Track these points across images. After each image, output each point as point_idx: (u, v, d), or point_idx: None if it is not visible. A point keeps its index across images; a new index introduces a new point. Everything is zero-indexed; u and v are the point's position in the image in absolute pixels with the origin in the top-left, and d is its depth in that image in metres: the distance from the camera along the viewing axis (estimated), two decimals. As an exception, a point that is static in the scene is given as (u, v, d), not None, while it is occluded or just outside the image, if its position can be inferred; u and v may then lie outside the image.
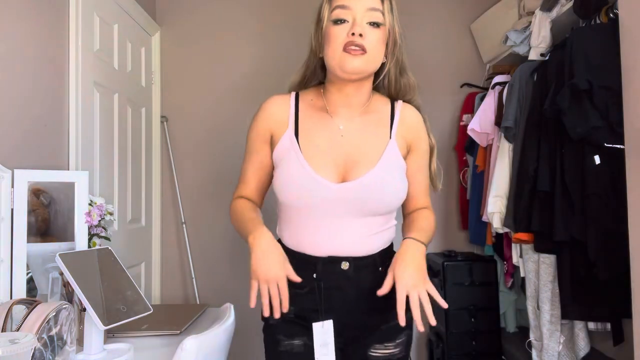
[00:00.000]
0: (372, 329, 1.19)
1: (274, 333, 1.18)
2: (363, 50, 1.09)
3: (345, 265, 1.14)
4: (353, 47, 1.08)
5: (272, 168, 1.23)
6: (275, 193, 1.17)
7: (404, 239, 1.15)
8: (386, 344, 1.18)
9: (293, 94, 1.24)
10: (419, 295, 1.05)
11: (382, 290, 1.06)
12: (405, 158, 1.21)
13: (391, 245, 1.24)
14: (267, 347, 1.21)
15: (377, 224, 1.17)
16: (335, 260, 1.14)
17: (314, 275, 1.14)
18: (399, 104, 1.24)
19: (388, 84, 1.24)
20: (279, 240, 1.22)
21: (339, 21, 1.11)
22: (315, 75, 1.25)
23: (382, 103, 1.24)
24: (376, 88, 1.24)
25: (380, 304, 1.16)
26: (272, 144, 1.21)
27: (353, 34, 1.08)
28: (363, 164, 1.14)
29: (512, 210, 1.93)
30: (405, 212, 1.30)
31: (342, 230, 1.14)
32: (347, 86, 1.17)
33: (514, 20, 2.25)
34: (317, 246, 1.15)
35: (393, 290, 1.10)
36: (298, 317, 1.16)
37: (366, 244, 1.16)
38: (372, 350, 1.18)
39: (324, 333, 1.13)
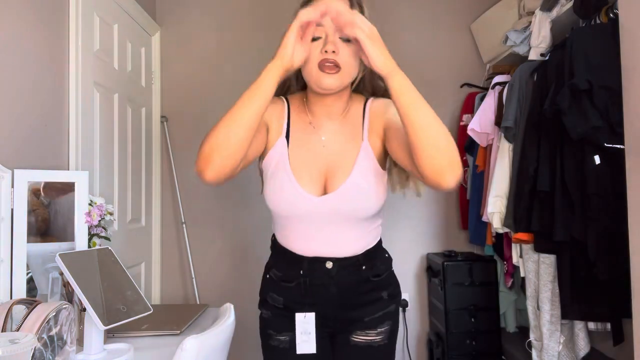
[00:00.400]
0: (353, 320, 1.25)
1: (265, 326, 1.28)
2: (337, 66, 1.11)
3: (329, 265, 1.20)
4: (327, 65, 1.10)
5: (256, 143, 1.16)
6: (266, 202, 1.22)
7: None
8: (367, 331, 1.25)
9: (283, 99, 1.26)
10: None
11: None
12: (384, 145, 1.19)
13: (377, 245, 1.28)
14: (261, 338, 1.30)
15: (362, 228, 1.22)
16: (320, 260, 1.21)
17: (301, 272, 1.22)
18: (370, 102, 1.24)
19: (364, 88, 1.27)
20: (273, 237, 1.31)
21: (312, 39, 1.11)
22: (292, 85, 1.30)
23: (358, 104, 1.25)
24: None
25: (362, 301, 1.24)
26: (266, 144, 1.20)
27: (326, 51, 1.10)
28: (340, 174, 1.16)
29: (512, 210, 1.93)
30: None
31: (328, 235, 1.20)
32: (326, 98, 1.19)
33: (514, 20, 2.25)
34: (304, 248, 1.22)
35: (372, 289, 1.24)
36: (286, 307, 1.24)
37: (351, 247, 1.22)
38: (354, 336, 1.25)
39: (305, 323, 1.22)
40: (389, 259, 1.32)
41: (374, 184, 1.17)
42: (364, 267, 1.23)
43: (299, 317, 1.22)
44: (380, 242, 1.30)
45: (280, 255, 1.27)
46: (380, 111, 1.20)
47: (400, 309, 2.47)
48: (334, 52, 1.09)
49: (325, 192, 1.17)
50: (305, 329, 1.22)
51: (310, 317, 1.22)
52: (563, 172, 1.67)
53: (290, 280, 1.24)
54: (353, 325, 1.25)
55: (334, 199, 1.15)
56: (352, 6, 1.13)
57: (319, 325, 1.23)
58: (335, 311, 1.24)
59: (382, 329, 1.26)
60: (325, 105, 1.20)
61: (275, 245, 1.29)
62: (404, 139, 1.06)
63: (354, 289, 1.23)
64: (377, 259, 1.27)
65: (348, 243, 1.21)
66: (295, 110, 1.24)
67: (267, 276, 1.31)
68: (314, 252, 1.21)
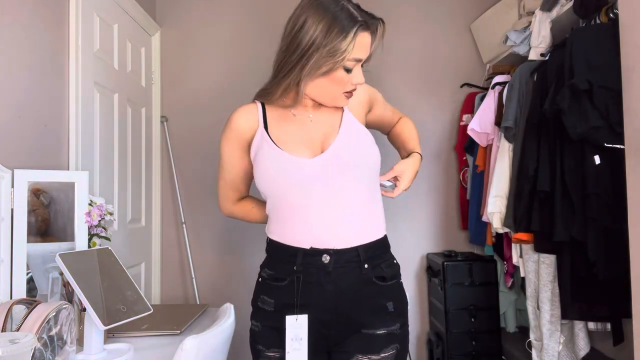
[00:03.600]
0: (352, 331, 1.17)
1: (255, 341, 1.22)
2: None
3: (325, 259, 1.14)
4: (350, 94, 1.21)
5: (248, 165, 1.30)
6: (258, 187, 1.22)
7: (409, 153, 1.35)
8: (370, 356, 1.15)
9: (257, 102, 1.28)
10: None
11: (384, 176, 1.27)
12: (369, 113, 1.36)
13: (380, 243, 1.22)
14: (252, 353, 1.25)
15: (354, 205, 1.18)
16: (316, 253, 1.15)
17: (294, 268, 1.16)
18: None
19: None
20: (268, 239, 1.26)
21: (349, 70, 1.16)
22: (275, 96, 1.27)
23: None
24: None
25: (362, 306, 1.16)
26: (249, 147, 1.26)
27: (354, 87, 1.20)
28: (330, 138, 1.21)
29: (512, 210, 1.92)
30: (388, 131, 1.49)
31: (317, 216, 1.15)
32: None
33: (514, 20, 2.25)
34: (299, 235, 1.17)
35: (375, 295, 1.17)
36: (277, 310, 1.17)
37: (345, 231, 1.16)
38: None
39: (297, 327, 1.13)
40: (397, 266, 1.25)
41: (362, 139, 1.23)
42: (365, 266, 1.16)
43: (290, 320, 1.13)
44: (384, 242, 1.24)
45: (274, 253, 1.23)
46: (363, 94, 1.32)
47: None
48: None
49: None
50: (297, 335, 1.12)
51: (303, 319, 1.13)
52: (563, 172, 1.67)
53: (282, 278, 1.18)
54: (353, 342, 1.16)
55: (328, 156, 1.17)
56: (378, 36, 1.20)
57: (314, 335, 1.14)
58: (331, 316, 1.15)
59: (385, 355, 1.15)
60: (307, 103, 1.25)
61: (269, 244, 1.25)
62: (384, 114, 1.42)
63: (354, 291, 1.15)
64: (380, 259, 1.20)
65: (345, 225, 1.15)
66: (271, 107, 1.27)
67: (259, 279, 1.26)
68: (311, 241, 1.15)
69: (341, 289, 1.15)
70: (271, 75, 1.23)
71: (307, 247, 1.15)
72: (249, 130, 1.25)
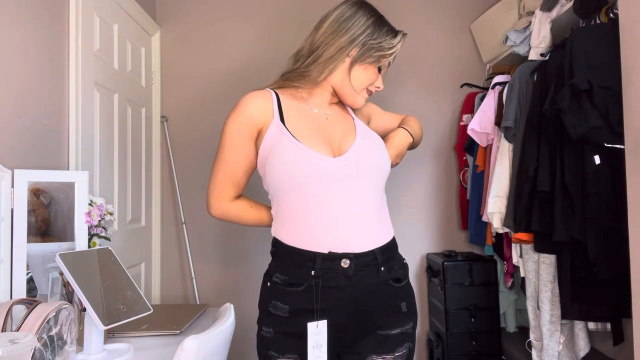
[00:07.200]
0: (367, 332, 1.16)
1: (267, 347, 1.16)
2: None
3: (345, 263, 1.12)
4: (367, 95, 1.30)
5: (256, 166, 1.25)
6: (272, 183, 1.17)
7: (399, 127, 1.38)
8: (384, 356, 1.16)
9: (271, 91, 1.25)
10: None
11: None
12: (369, 124, 1.40)
13: (392, 244, 1.23)
14: (260, 359, 1.20)
15: (371, 208, 1.17)
16: (335, 258, 1.12)
17: (312, 273, 1.12)
18: None
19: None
20: (275, 242, 1.21)
21: (379, 70, 1.27)
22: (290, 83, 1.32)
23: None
24: None
25: (379, 308, 1.16)
26: (257, 139, 1.22)
27: (378, 87, 1.29)
28: (348, 140, 1.22)
29: (512, 210, 1.92)
30: None
31: (339, 218, 1.13)
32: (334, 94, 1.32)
33: (514, 20, 2.25)
34: (316, 239, 1.12)
35: (390, 296, 1.18)
36: (292, 316, 1.13)
37: (364, 234, 1.15)
38: None
39: (317, 334, 1.10)
40: (407, 266, 1.26)
41: (378, 143, 1.26)
42: (382, 269, 1.16)
43: (311, 327, 1.09)
44: (394, 243, 1.25)
45: (285, 257, 1.16)
46: (362, 109, 1.40)
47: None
48: None
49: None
50: (317, 342, 1.09)
51: (323, 325, 1.10)
52: (563, 172, 1.67)
53: (298, 283, 1.12)
54: (368, 343, 1.16)
55: (351, 156, 1.16)
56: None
57: (328, 338, 1.11)
58: (348, 319, 1.13)
59: (399, 354, 1.17)
60: (325, 96, 1.29)
61: (279, 247, 1.19)
62: (386, 122, 1.43)
63: (372, 294, 1.14)
64: (394, 260, 1.21)
65: (362, 229, 1.14)
66: (286, 94, 1.26)
67: (268, 284, 1.19)
68: (328, 246, 1.11)
69: (360, 292, 1.14)
70: (303, 59, 1.25)
71: (325, 251, 1.12)
72: (262, 119, 1.19)
